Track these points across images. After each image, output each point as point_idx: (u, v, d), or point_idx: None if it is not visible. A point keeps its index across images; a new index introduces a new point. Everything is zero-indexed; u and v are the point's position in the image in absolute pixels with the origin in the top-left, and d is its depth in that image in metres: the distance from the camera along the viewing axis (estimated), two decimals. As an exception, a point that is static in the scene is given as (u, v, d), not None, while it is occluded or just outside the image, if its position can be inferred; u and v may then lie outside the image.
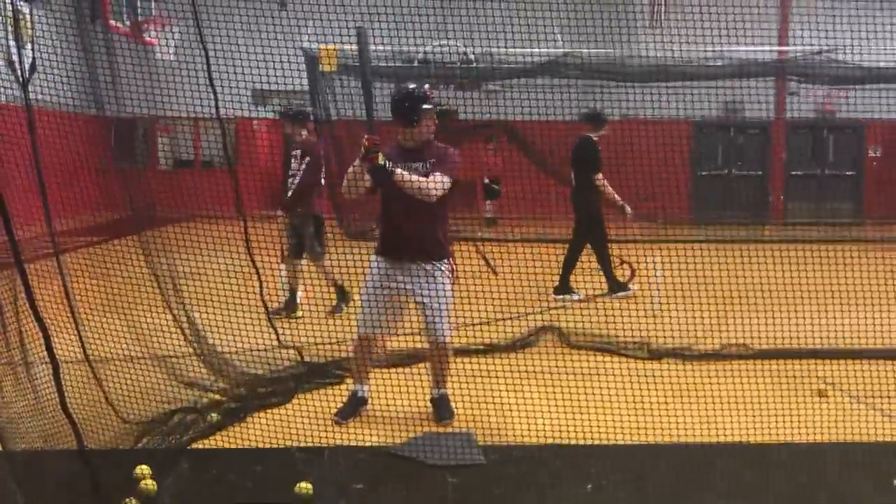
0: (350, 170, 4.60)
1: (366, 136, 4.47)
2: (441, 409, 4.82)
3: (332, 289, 7.65)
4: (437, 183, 4.57)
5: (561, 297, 8.35)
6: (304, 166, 7.59)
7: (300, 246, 7.63)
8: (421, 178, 4.57)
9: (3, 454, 3.88)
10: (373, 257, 4.81)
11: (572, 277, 8.54)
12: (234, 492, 3.92)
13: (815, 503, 3.91)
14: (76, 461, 3.54)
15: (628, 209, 8.52)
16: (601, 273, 8.60)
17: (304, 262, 7.73)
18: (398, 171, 4.50)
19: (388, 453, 4.34)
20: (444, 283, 4.71)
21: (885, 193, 15.75)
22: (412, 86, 4.76)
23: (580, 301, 8.21)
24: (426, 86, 4.78)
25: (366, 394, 4.92)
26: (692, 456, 4.39)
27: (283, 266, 7.76)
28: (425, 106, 4.66)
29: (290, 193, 7.66)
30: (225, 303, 7.47)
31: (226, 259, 7.25)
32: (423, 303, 4.71)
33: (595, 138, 8.51)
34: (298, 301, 7.60)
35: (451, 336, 4.84)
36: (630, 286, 8.68)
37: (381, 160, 4.42)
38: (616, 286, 8.51)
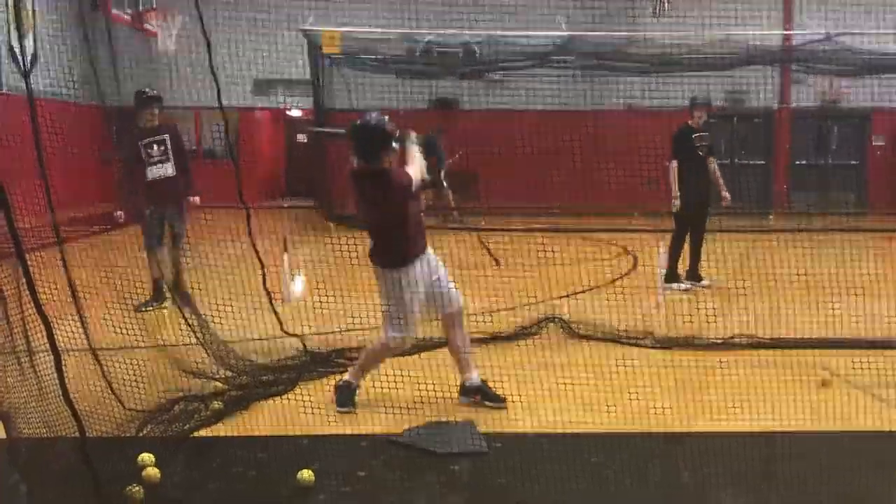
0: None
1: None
2: (488, 394, 4.82)
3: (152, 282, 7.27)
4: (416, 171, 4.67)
5: (691, 283, 8.37)
6: (168, 153, 7.17)
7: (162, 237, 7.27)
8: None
9: (7, 442, 3.89)
10: (410, 264, 4.67)
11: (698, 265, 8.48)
12: (236, 479, 3.93)
13: (819, 492, 3.90)
14: (80, 450, 3.55)
15: (676, 204, 8.29)
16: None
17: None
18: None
19: (390, 441, 4.35)
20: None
21: (890, 182, 15.68)
22: (373, 120, 4.65)
23: (706, 287, 8.17)
24: (386, 118, 4.67)
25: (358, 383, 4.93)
26: (697, 445, 4.38)
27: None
28: (385, 146, 4.58)
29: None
30: (228, 292, 7.51)
31: (229, 248, 7.28)
32: (441, 280, 4.81)
33: (690, 124, 8.38)
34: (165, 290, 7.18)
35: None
36: (684, 283, 8.43)
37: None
38: (673, 277, 8.42)
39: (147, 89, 7.15)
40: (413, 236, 4.74)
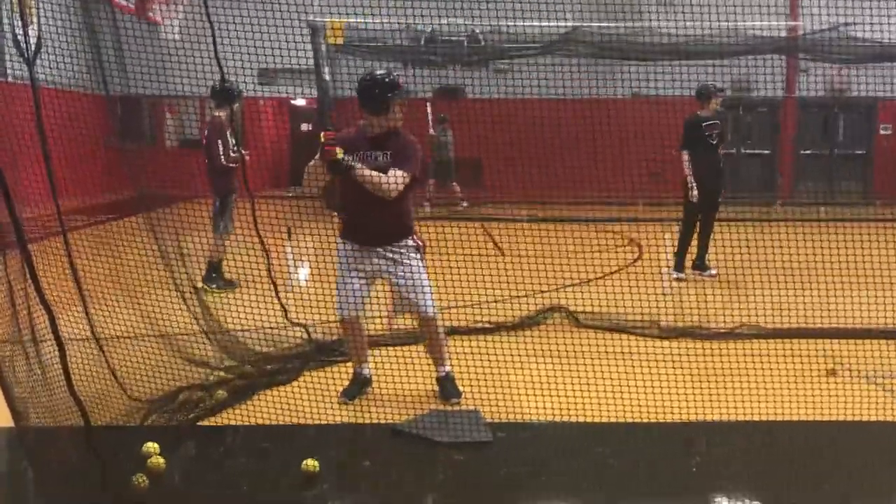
0: (310, 164, 4.53)
1: (323, 132, 4.42)
2: (447, 388, 4.81)
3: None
4: (396, 179, 4.50)
5: (697, 272, 8.39)
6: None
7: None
8: (380, 176, 4.48)
9: (14, 430, 3.90)
10: (338, 241, 4.77)
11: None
12: (241, 469, 3.94)
13: (825, 482, 3.89)
14: (85, 439, 3.55)
15: (693, 194, 8.25)
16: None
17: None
18: (357, 166, 4.45)
19: (394, 431, 4.35)
20: (414, 260, 4.68)
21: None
22: (381, 72, 4.70)
23: (713, 277, 8.19)
24: (395, 72, 4.71)
25: (368, 373, 4.92)
26: (701, 434, 4.39)
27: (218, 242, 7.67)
28: (394, 94, 4.55)
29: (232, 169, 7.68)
30: (233, 280, 7.50)
31: (234, 237, 7.27)
32: (399, 283, 4.68)
33: (700, 114, 8.31)
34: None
35: (437, 310, 4.79)
36: (687, 273, 8.45)
37: (339, 155, 4.38)
38: (680, 265, 8.44)
39: (230, 83, 7.20)
40: (347, 218, 4.70)
